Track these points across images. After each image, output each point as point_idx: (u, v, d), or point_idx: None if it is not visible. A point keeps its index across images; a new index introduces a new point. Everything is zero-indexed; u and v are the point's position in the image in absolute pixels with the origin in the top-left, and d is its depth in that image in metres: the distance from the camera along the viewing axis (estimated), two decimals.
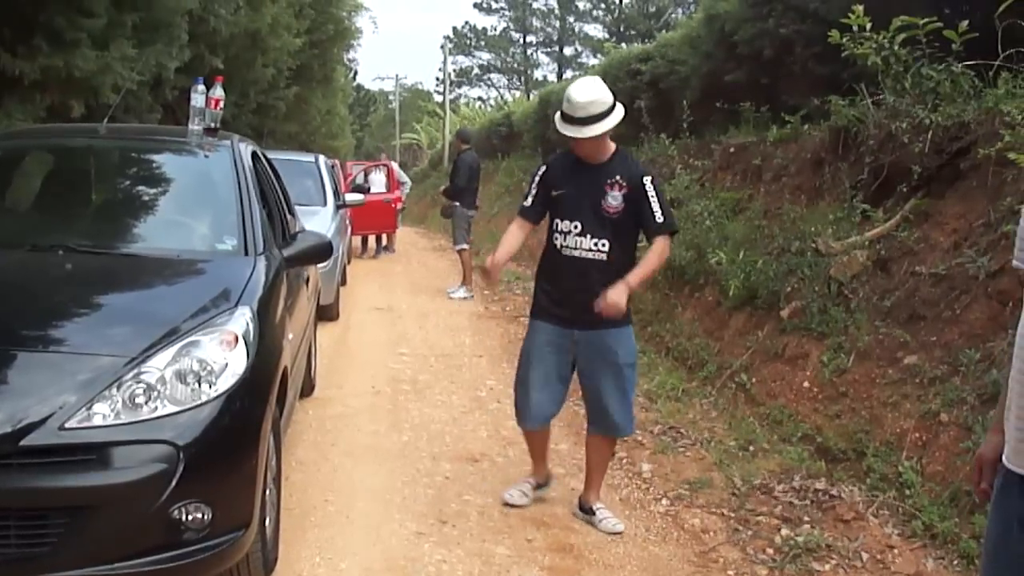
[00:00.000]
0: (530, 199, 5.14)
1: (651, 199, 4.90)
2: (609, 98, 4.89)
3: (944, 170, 7.16)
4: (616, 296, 4.73)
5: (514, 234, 5.20)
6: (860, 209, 7.74)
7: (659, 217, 4.91)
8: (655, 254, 4.95)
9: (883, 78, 7.91)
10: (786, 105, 10.41)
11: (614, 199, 4.90)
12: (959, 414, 5.41)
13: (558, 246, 5.00)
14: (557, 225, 5.00)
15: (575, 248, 4.94)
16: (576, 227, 4.93)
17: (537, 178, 5.16)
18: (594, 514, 5.21)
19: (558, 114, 4.96)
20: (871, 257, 7.19)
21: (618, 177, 4.92)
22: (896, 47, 7.67)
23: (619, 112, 4.92)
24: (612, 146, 5.05)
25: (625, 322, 5.04)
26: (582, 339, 5.01)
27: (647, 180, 4.93)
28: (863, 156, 8.05)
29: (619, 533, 5.09)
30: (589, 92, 4.85)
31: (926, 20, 7.43)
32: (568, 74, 60.05)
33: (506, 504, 5.32)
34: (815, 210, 8.56)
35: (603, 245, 4.91)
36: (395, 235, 19.86)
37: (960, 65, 7.35)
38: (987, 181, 6.57)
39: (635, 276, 4.86)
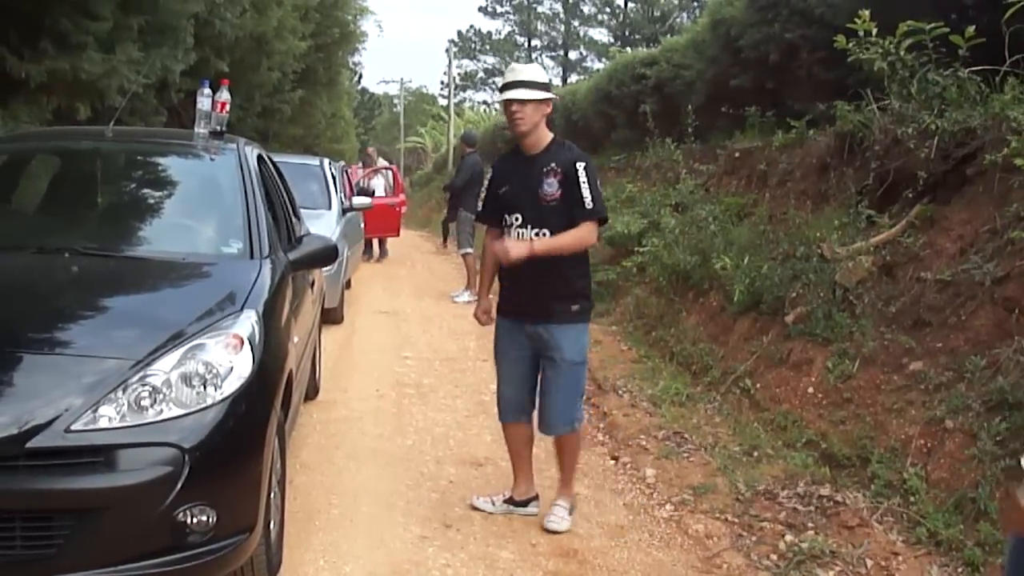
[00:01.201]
0: (481, 203, 5.29)
1: (582, 184, 4.90)
2: (543, 79, 5.04)
3: (950, 176, 7.15)
4: (515, 247, 4.86)
5: (490, 253, 5.30)
6: (865, 215, 7.72)
7: (588, 203, 4.90)
8: (575, 234, 4.90)
9: (889, 83, 7.89)
10: (791, 110, 10.41)
11: (550, 186, 4.93)
12: (964, 421, 5.39)
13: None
14: (506, 220, 5.08)
15: (519, 240, 4.98)
16: (517, 219, 5.02)
17: (486, 181, 5.28)
18: (551, 508, 5.27)
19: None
20: (876, 263, 7.17)
21: (553, 164, 4.95)
22: (902, 52, 7.66)
23: (548, 94, 5.02)
24: (548, 136, 5.08)
25: (575, 319, 5.07)
26: (532, 333, 5.07)
27: (580, 165, 4.93)
28: (869, 161, 8.04)
29: (553, 532, 5.10)
30: (526, 66, 5.09)
31: (932, 25, 7.40)
32: (573, 78, 60.08)
33: (472, 507, 5.38)
34: (820, 215, 8.55)
35: (544, 235, 4.94)
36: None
37: (966, 70, 7.34)
38: (993, 187, 6.56)
39: (543, 242, 4.90)
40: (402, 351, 9.62)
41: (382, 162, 22.34)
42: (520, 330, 5.12)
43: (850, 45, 8.00)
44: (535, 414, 5.26)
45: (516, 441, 5.36)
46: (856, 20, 7.91)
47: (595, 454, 6.61)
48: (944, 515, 4.95)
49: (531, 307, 5.04)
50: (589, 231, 4.94)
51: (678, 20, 52.63)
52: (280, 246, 5.01)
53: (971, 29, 7.16)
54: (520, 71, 4.99)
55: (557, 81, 62.53)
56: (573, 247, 4.93)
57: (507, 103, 4.97)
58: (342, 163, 16.66)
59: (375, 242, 18.91)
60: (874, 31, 7.82)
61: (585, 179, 4.90)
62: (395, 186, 19.49)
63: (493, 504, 5.36)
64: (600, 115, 17.57)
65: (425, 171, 49.66)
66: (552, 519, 5.16)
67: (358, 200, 13.06)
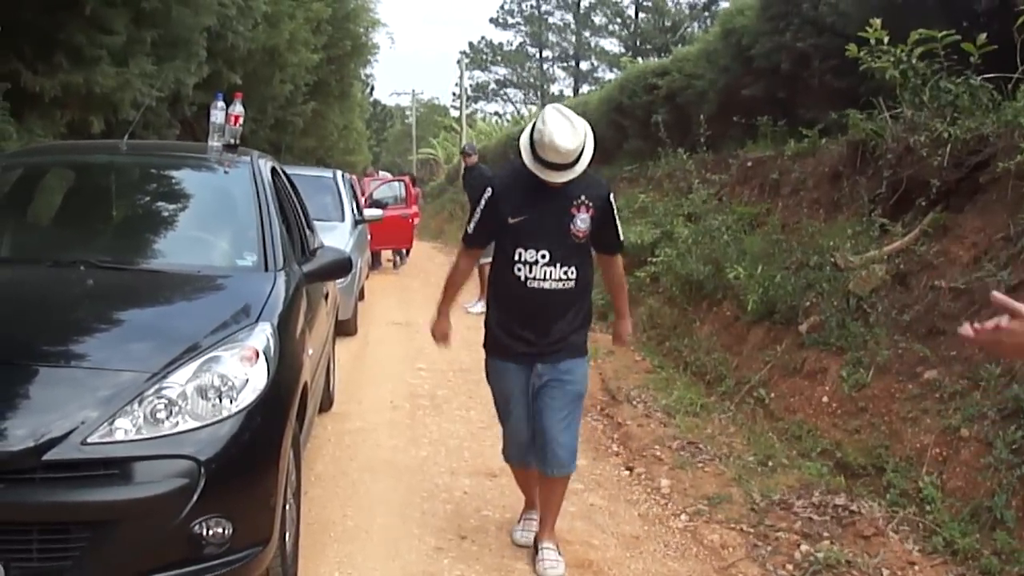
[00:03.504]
0: (473, 226, 4.68)
1: (615, 217, 4.64)
2: (583, 133, 4.41)
3: (963, 184, 7.13)
4: (625, 332, 5.03)
5: (463, 273, 4.92)
6: (879, 223, 7.71)
7: (620, 236, 4.73)
8: (622, 279, 4.99)
9: (901, 91, 7.88)
10: (803, 119, 10.41)
11: (583, 222, 4.53)
12: (980, 429, 5.38)
13: (522, 278, 4.56)
14: (520, 255, 4.55)
15: (544, 279, 4.55)
16: (544, 256, 4.53)
17: (484, 203, 4.63)
18: (537, 552, 4.84)
19: (526, 144, 4.48)
20: (890, 271, 7.16)
21: (583, 197, 4.52)
22: (914, 60, 7.65)
23: (591, 145, 4.48)
24: None
25: (583, 353, 4.80)
26: (545, 371, 4.64)
27: (611, 198, 4.66)
28: (881, 170, 8.03)
29: None
30: (571, 138, 4.34)
31: (944, 33, 7.40)
32: (584, 88, 60.12)
33: (519, 545, 5.00)
34: (833, 224, 8.55)
35: (571, 273, 4.57)
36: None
37: (979, 78, 7.32)
38: (1007, 195, 6.54)
39: (627, 310, 5.08)
40: (416, 362, 9.62)
41: (384, 174, 22.39)
42: (528, 372, 4.68)
43: (862, 54, 8.00)
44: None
45: (532, 479, 5.00)
46: (868, 29, 7.92)
47: (609, 464, 6.60)
48: (960, 524, 4.94)
49: (549, 346, 4.63)
50: (621, 267, 4.88)
51: (689, 30, 52.58)
52: (294, 258, 5.02)
53: (983, 37, 7.15)
54: (564, 150, 4.32)
55: (568, 92, 62.71)
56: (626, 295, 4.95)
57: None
58: (351, 176, 16.64)
59: (388, 253, 18.91)
60: (886, 39, 7.82)
61: (615, 212, 4.64)
62: (407, 198, 19.47)
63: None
64: (612, 125, 17.57)
65: (438, 182, 49.72)
66: (548, 564, 4.74)
67: (370, 212, 13.09)
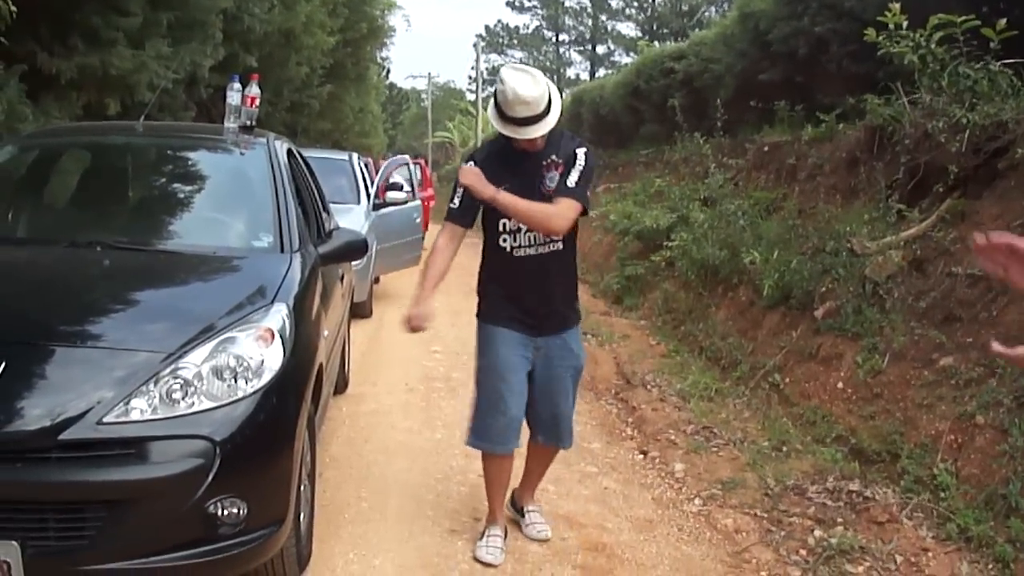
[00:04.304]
0: (456, 200, 4.53)
1: (577, 166, 4.38)
2: (550, 91, 4.31)
3: (981, 170, 7.10)
4: (484, 186, 4.30)
5: (443, 253, 4.61)
6: (896, 209, 7.68)
7: (571, 182, 4.35)
8: (546, 207, 4.32)
9: (919, 77, 7.84)
10: (821, 104, 10.37)
11: (551, 180, 4.40)
12: (995, 416, 5.36)
13: (508, 249, 4.55)
14: (504, 226, 4.52)
15: (529, 246, 4.52)
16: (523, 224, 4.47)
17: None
18: (524, 516, 4.99)
19: (493, 111, 4.41)
20: (906, 257, 7.13)
21: (553, 157, 4.41)
22: (933, 45, 7.60)
23: (556, 96, 4.37)
24: None
25: (577, 322, 4.79)
26: (544, 345, 4.62)
27: (581, 151, 4.43)
28: (899, 155, 8.00)
29: (544, 540, 4.84)
30: (533, 87, 4.23)
31: (963, 18, 7.35)
32: (601, 72, 59.97)
33: (482, 562, 4.63)
34: (850, 210, 8.52)
35: (553, 239, 4.51)
36: None
37: (998, 64, 7.28)
38: None
39: (510, 196, 4.30)
40: (431, 345, 9.62)
41: (400, 158, 22.36)
42: (530, 345, 4.62)
43: (880, 38, 7.95)
44: (522, 428, 4.76)
45: (508, 471, 4.85)
46: (886, 13, 7.88)
47: (624, 448, 6.60)
48: (974, 511, 4.92)
49: (547, 318, 4.61)
50: (564, 208, 4.32)
51: (706, 14, 52.36)
52: (310, 240, 5.02)
53: (1003, 22, 7.11)
54: (530, 98, 4.21)
55: (585, 76, 62.57)
56: (539, 216, 4.33)
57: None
58: (405, 156, 16.54)
59: None
60: (904, 24, 7.78)
61: (582, 163, 4.39)
62: (423, 181, 19.44)
63: (504, 552, 4.71)
64: (628, 109, 17.54)
65: (453, 166, 49.69)
66: (538, 527, 4.91)
67: (392, 195, 13.03)
